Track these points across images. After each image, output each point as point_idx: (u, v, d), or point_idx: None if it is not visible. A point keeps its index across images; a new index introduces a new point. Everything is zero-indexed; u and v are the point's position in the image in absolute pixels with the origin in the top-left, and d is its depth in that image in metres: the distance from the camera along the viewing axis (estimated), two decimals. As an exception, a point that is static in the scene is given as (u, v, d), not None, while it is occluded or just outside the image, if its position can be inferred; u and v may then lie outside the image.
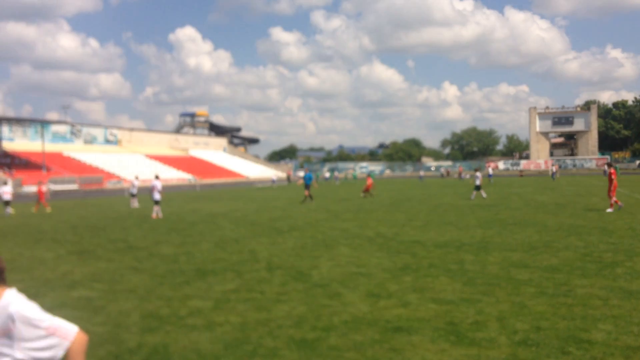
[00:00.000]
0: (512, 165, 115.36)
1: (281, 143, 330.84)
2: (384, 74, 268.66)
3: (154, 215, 23.13)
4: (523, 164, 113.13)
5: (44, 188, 31.26)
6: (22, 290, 8.95)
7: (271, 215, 23.33)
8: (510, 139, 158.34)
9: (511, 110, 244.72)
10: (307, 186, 31.29)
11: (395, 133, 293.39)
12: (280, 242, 14.71)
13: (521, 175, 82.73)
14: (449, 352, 5.65)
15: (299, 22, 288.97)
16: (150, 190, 24.31)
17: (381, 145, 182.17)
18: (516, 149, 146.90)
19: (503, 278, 9.11)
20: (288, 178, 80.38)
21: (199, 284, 9.40)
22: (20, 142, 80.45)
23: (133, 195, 31.81)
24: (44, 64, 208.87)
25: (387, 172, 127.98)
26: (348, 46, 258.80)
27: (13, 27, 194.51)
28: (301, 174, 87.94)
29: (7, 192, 27.79)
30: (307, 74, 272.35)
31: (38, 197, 30.03)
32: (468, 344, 5.89)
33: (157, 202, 23.46)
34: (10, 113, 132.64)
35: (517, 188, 42.37)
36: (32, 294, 8.70)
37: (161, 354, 5.83)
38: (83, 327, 6.69)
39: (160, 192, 23.68)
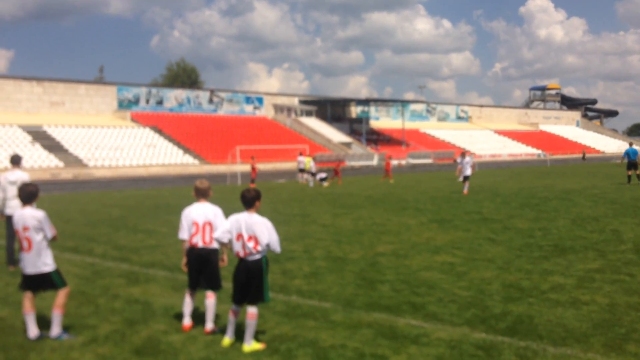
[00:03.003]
0: None
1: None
2: None
3: (465, 191, 22.84)
4: None
5: (393, 162, 34.93)
6: (393, 251, 10.16)
7: (634, 194, 20.98)
8: None
9: None
10: (630, 164, 25.81)
11: None
12: (649, 223, 13.29)
13: None
14: None
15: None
16: (463, 166, 24.00)
17: None
18: None
19: None
20: (583, 155, 67.12)
21: (558, 260, 9.22)
22: (384, 121, 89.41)
23: None
24: (402, 48, 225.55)
25: None
26: None
27: (377, 16, 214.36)
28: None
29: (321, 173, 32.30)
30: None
31: (386, 169, 34.59)
32: None
33: (467, 178, 23.34)
34: (375, 95, 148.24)
35: None
36: (401, 255, 9.88)
37: (526, 324, 6.00)
38: (448, 290, 7.37)
39: (472, 167, 24.06)
